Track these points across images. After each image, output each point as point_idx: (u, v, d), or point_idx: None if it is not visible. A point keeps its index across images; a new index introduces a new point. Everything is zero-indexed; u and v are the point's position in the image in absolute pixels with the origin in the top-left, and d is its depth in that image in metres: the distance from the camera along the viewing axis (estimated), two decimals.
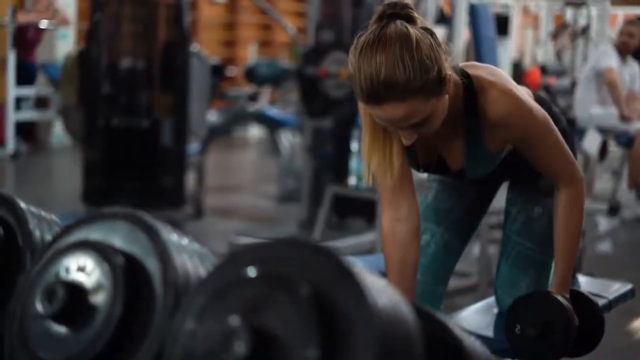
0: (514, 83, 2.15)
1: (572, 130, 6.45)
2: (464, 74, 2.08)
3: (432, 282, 2.43)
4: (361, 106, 2.08)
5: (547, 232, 2.40)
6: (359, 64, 1.89)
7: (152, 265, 1.12)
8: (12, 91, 8.70)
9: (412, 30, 1.89)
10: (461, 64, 2.13)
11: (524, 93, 2.15)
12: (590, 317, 2.26)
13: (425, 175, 2.43)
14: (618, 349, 4.11)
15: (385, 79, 1.86)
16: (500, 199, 2.57)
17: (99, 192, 6.10)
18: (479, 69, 2.12)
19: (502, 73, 2.16)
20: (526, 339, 2.17)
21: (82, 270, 1.14)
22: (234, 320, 0.97)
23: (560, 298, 2.18)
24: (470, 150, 2.19)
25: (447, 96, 1.99)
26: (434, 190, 2.48)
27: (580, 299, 2.27)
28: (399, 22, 1.90)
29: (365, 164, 2.15)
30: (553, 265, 2.31)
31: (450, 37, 6.03)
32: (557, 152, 2.19)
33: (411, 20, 1.93)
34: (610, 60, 7.13)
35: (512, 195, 2.48)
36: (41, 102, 10.12)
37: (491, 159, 2.22)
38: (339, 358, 0.93)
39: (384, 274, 2.19)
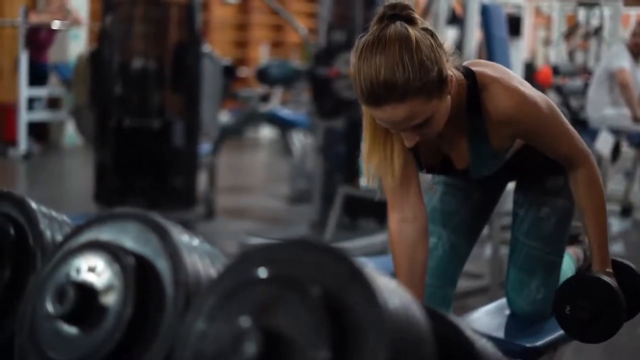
0: (518, 78, 2.14)
1: (584, 132, 6.44)
2: (468, 72, 2.07)
3: (441, 284, 2.42)
4: (363, 107, 2.08)
5: (555, 232, 2.40)
6: (358, 66, 1.89)
7: (163, 265, 1.12)
8: (25, 92, 8.75)
9: (412, 31, 1.88)
10: (465, 62, 2.12)
11: (528, 86, 2.13)
12: (631, 283, 2.30)
13: (429, 176, 2.42)
14: (630, 350, 4.09)
15: (384, 80, 1.85)
16: (511, 200, 2.56)
17: (111, 193, 6.11)
18: (483, 66, 2.12)
19: (506, 70, 2.15)
20: (576, 322, 2.22)
21: (93, 270, 1.14)
22: (245, 321, 0.96)
23: (609, 281, 2.20)
24: (475, 149, 2.18)
25: (449, 97, 1.98)
26: (438, 192, 2.47)
27: (620, 268, 2.30)
28: (398, 23, 1.90)
29: (365, 165, 2.14)
30: (566, 260, 2.30)
31: (462, 38, 6.01)
32: (565, 136, 2.18)
33: (411, 21, 1.92)
34: (623, 61, 7.10)
35: (519, 197, 2.47)
36: (53, 103, 10.16)
37: (496, 157, 2.21)
38: (349, 359, 0.93)
39: (394, 275, 2.19)
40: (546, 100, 2.15)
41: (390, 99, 1.87)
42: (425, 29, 1.92)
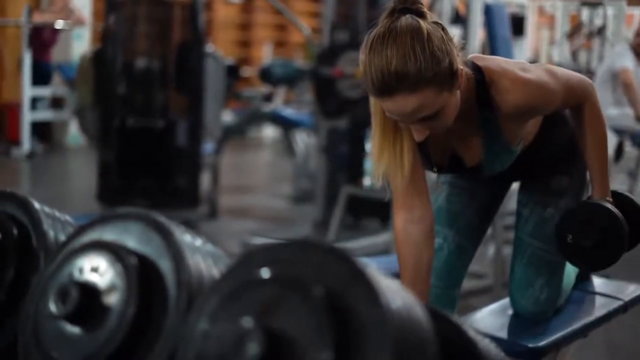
0: (519, 64, 2.14)
1: None
2: (475, 67, 2.08)
3: (446, 285, 2.42)
4: (372, 104, 2.08)
5: None
6: (369, 58, 1.89)
7: (166, 266, 1.12)
8: (28, 91, 8.73)
9: (423, 24, 1.89)
10: (469, 57, 2.12)
11: (528, 67, 2.14)
12: (632, 214, 2.31)
13: (434, 176, 2.42)
14: (633, 350, 4.09)
15: (396, 70, 1.85)
16: (514, 200, 2.56)
17: (114, 192, 6.11)
18: (487, 60, 2.12)
19: (505, 60, 2.16)
20: (580, 250, 2.24)
21: (96, 270, 1.14)
22: (247, 322, 0.96)
23: (611, 207, 2.23)
24: (488, 145, 2.18)
25: (458, 92, 1.98)
26: (444, 192, 2.47)
27: (619, 198, 2.34)
28: (409, 16, 1.90)
29: (375, 164, 2.14)
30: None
31: (465, 37, 6.01)
32: (570, 90, 2.19)
33: (422, 15, 1.93)
34: (626, 60, 7.09)
35: (523, 196, 2.47)
36: (57, 102, 10.16)
37: (509, 152, 2.22)
38: None
39: (398, 275, 2.19)
40: (545, 70, 2.16)
41: (401, 89, 1.87)
42: (436, 23, 1.94)
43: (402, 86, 1.87)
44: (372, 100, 2.08)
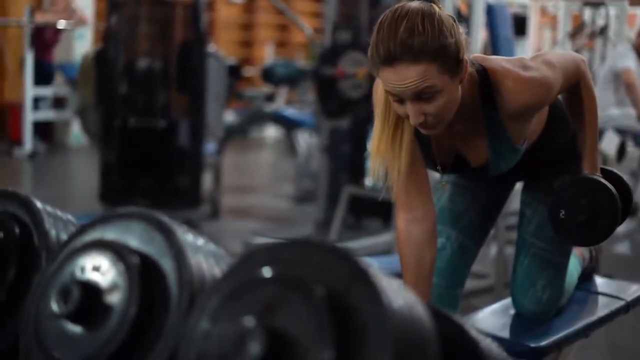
0: (520, 62, 2.14)
1: None
2: (479, 67, 2.08)
3: (448, 285, 2.42)
4: (375, 96, 2.09)
5: None
6: (378, 34, 1.92)
7: (168, 265, 1.12)
8: (30, 91, 8.74)
9: (436, 8, 1.93)
10: (472, 56, 2.12)
11: (529, 64, 2.13)
12: (620, 190, 2.30)
13: (438, 175, 2.42)
14: (635, 350, 4.09)
15: (402, 40, 1.88)
16: (516, 200, 2.56)
17: (116, 192, 6.12)
18: (489, 61, 2.12)
19: (507, 59, 2.16)
20: (573, 225, 2.23)
21: (97, 269, 1.14)
22: (249, 321, 0.96)
23: (603, 180, 2.23)
24: (494, 144, 2.18)
25: (460, 87, 1.99)
26: (447, 192, 2.47)
27: (608, 174, 2.34)
28: (422, 1, 1.93)
29: (372, 156, 2.13)
30: (572, 260, 2.30)
31: (467, 37, 6.00)
32: (567, 76, 2.19)
33: (435, 4, 1.96)
34: (629, 61, 7.08)
35: (527, 196, 2.47)
36: (59, 102, 10.16)
37: (514, 151, 2.22)
38: (353, 359, 0.93)
39: (400, 275, 2.18)
40: (544, 61, 2.15)
41: (404, 58, 1.89)
42: (448, 14, 1.96)
43: (405, 55, 1.89)
44: (376, 91, 2.09)
